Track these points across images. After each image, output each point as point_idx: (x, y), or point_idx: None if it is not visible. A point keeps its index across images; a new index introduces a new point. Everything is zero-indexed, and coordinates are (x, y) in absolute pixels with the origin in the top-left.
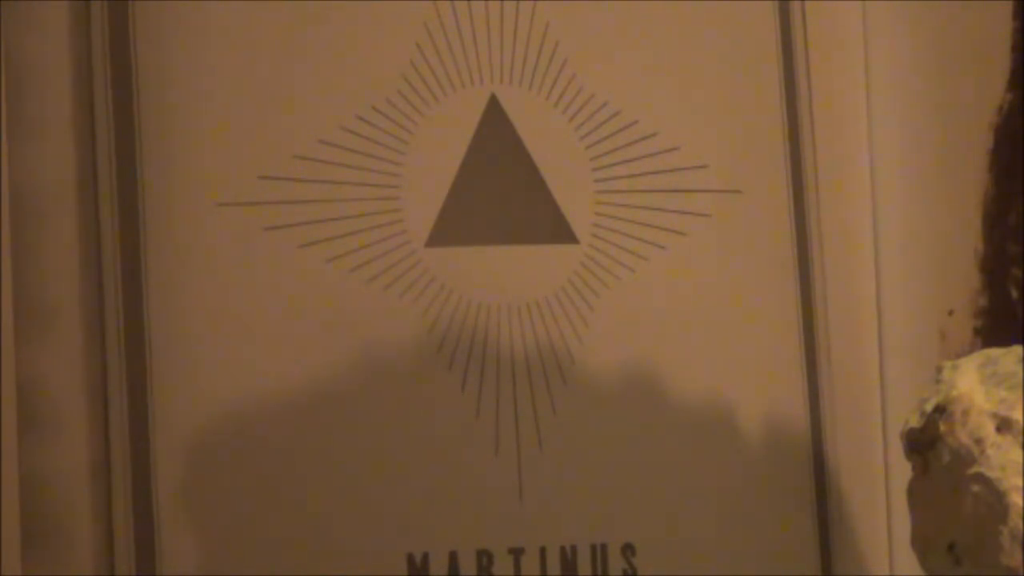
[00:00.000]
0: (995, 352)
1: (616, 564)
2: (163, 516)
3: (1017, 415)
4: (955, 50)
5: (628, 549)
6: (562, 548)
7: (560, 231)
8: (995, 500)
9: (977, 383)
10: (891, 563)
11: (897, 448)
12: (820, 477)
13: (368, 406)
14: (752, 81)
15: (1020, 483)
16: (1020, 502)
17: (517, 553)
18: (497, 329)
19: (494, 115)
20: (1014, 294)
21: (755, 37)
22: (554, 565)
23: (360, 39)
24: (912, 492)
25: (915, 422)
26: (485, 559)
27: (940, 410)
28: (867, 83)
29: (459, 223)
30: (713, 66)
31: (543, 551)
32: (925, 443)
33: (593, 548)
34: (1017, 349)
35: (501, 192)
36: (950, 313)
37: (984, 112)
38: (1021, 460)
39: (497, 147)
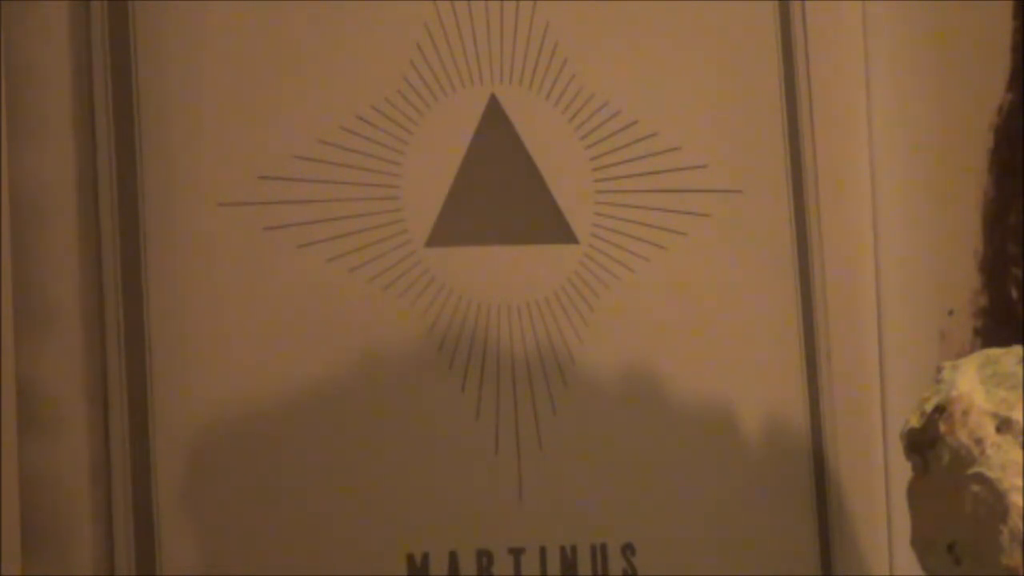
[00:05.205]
0: (995, 352)
1: (616, 564)
2: (163, 516)
3: (1017, 415)
4: (955, 50)
5: (628, 549)
6: (562, 548)
7: (560, 231)
8: (995, 500)
9: (977, 383)
10: (891, 563)
11: (897, 448)
12: (820, 477)
13: (368, 406)
14: (752, 81)
15: (1020, 483)
16: (1020, 502)
17: (517, 553)
18: (497, 329)
19: (494, 115)
20: (1014, 294)
21: (755, 37)
22: (554, 565)
23: (360, 39)
24: (912, 492)
25: (915, 422)
26: (485, 559)
27: (940, 410)
28: (867, 83)
29: (459, 223)
30: (713, 66)
31: (543, 551)
32: (925, 443)
33: (593, 548)
34: (1017, 349)
35: (501, 192)
36: (950, 313)
37: (984, 112)
38: (1021, 460)
39: (497, 147)
